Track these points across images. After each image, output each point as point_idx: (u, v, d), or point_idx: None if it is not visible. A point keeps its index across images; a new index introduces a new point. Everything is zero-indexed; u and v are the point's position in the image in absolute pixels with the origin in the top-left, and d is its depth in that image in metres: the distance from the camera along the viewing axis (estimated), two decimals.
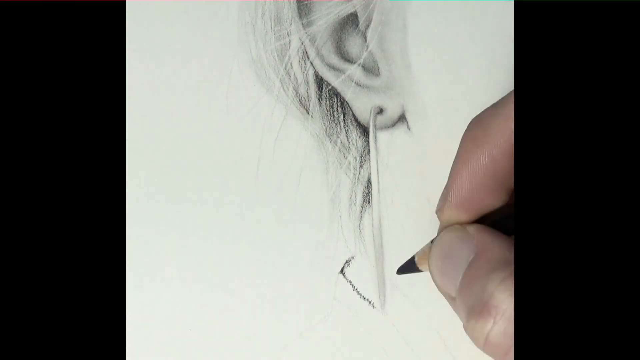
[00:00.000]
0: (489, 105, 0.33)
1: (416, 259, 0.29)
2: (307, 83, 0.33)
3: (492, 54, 0.33)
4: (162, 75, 0.33)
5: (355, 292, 0.32)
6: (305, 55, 0.33)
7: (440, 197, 0.28)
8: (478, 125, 0.26)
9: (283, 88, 0.33)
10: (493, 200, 0.26)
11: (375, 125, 0.33)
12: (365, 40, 0.33)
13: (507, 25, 0.33)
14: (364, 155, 0.33)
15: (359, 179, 0.33)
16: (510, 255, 0.24)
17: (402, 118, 0.33)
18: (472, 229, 0.26)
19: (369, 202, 0.33)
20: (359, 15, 0.33)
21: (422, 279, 0.32)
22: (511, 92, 0.25)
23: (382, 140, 0.33)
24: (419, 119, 0.33)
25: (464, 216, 0.27)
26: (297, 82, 0.33)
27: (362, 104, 0.33)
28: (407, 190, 0.33)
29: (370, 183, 0.33)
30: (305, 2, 0.33)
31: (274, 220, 0.32)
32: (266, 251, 0.32)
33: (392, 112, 0.33)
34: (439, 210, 0.28)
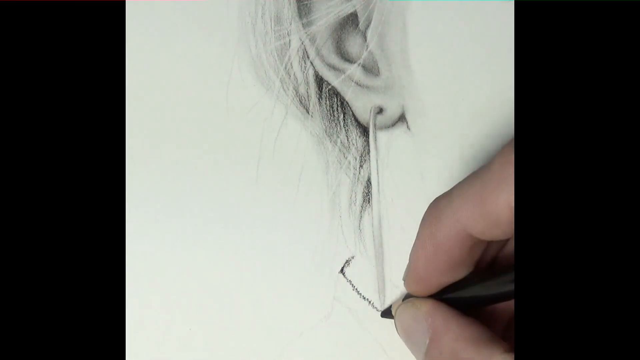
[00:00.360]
0: (488, 105, 0.33)
1: (392, 310, 0.30)
2: (307, 83, 0.33)
3: (492, 54, 0.33)
4: (162, 75, 0.33)
5: (355, 292, 0.32)
6: (305, 55, 0.33)
7: (405, 269, 0.29)
8: (431, 215, 0.27)
9: (283, 88, 0.33)
10: (449, 277, 0.28)
11: (375, 125, 0.33)
12: (365, 40, 0.33)
13: (507, 25, 0.33)
14: (363, 155, 0.33)
15: (359, 178, 0.33)
16: (461, 348, 0.26)
17: (402, 118, 0.33)
18: (425, 308, 0.28)
19: (369, 201, 0.33)
20: (359, 15, 0.33)
21: None
22: (466, 177, 0.26)
23: (382, 140, 0.33)
24: (419, 118, 0.33)
25: (422, 291, 0.29)
26: (297, 82, 0.33)
27: (362, 104, 0.33)
28: (407, 190, 0.33)
29: (370, 183, 0.33)
30: (305, 2, 0.33)
31: (273, 220, 0.32)
32: (266, 251, 0.32)
33: (392, 112, 0.33)
34: (403, 280, 0.29)
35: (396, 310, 0.29)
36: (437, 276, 0.28)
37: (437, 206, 0.27)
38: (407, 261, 0.29)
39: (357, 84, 0.33)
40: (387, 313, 0.31)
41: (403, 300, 0.30)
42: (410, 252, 0.28)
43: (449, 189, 0.27)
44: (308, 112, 0.33)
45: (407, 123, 0.33)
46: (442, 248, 0.27)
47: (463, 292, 0.28)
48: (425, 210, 0.28)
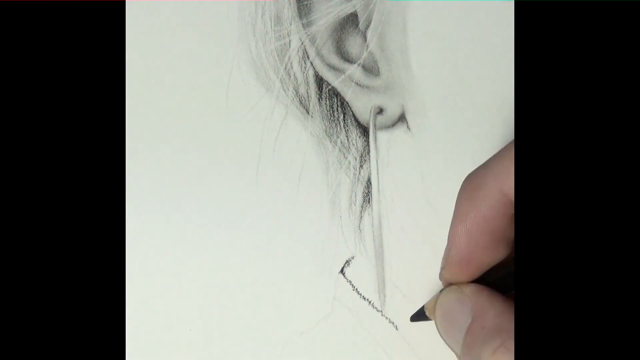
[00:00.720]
0: (488, 105, 0.33)
1: (425, 310, 0.30)
2: (307, 83, 0.33)
3: (492, 54, 0.33)
4: (162, 75, 0.33)
5: (355, 292, 0.32)
6: (305, 55, 0.33)
7: (443, 257, 0.28)
8: (470, 185, 0.27)
9: (283, 88, 0.33)
10: (492, 256, 0.27)
11: (375, 125, 0.33)
12: (365, 40, 0.33)
13: (507, 25, 0.33)
14: (364, 155, 0.33)
15: (359, 179, 0.33)
16: (505, 322, 0.25)
17: (402, 118, 0.33)
18: (469, 290, 0.27)
19: (369, 202, 0.33)
20: (359, 15, 0.33)
21: (422, 279, 0.32)
22: (502, 149, 0.26)
23: (382, 140, 0.33)
24: (419, 119, 0.33)
25: (465, 274, 0.28)
26: (297, 82, 0.33)
27: (362, 104, 0.33)
28: (407, 190, 0.33)
29: (370, 183, 0.33)
30: (305, 2, 0.33)
31: (274, 220, 0.32)
32: (266, 251, 0.32)
33: (392, 112, 0.33)
34: (442, 270, 0.28)
35: (439, 296, 0.28)
36: (479, 253, 0.27)
37: (477, 175, 0.26)
38: (443, 250, 0.28)
39: (357, 84, 0.33)
40: (419, 315, 0.30)
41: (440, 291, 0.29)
42: (448, 233, 0.27)
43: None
44: (308, 113, 0.33)
45: (407, 123, 0.33)
46: (485, 219, 0.26)
47: (501, 276, 0.27)
48: (462, 183, 0.27)
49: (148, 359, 0.32)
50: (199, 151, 0.33)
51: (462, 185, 0.27)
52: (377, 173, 0.33)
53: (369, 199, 0.33)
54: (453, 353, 0.30)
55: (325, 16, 0.33)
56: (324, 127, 0.33)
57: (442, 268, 0.28)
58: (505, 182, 0.25)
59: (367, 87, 0.33)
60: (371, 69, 0.33)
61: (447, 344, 0.28)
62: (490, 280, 0.28)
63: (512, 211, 0.26)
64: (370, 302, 0.32)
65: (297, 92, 0.33)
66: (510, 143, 0.26)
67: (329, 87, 0.33)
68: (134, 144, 0.33)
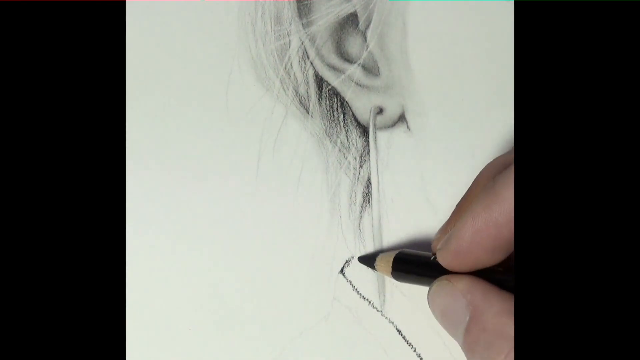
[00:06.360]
0: (488, 105, 0.32)
1: (379, 264, 0.29)
2: (307, 83, 0.33)
3: (492, 54, 0.33)
4: (162, 75, 0.33)
5: (355, 292, 0.32)
6: (305, 55, 0.33)
7: (440, 233, 0.27)
8: (492, 184, 0.25)
9: (283, 88, 0.33)
10: (490, 258, 0.26)
11: (375, 125, 0.33)
12: (365, 40, 0.33)
13: (507, 25, 0.33)
14: (363, 155, 0.33)
15: (359, 178, 0.33)
16: (505, 324, 0.24)
17: (402, 118, 0.33)
18: (462, 285, 0.26)
19: (368, 202, 0.33)
20: (358, 15, 0.33)
21: None
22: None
23: (382, 140, 0.33)
24: (418, 118, 0.33)
25: (457, 266, 0.27)
26: (297, 82, 0.33)
27: (362, 104, 0.33)
28: (407, 190, 0.33)
29: (370, 183, 0.33)
30: (305, 2, 0.33)
31: (273, 220, 0.32)
32: (266, 251, 0.32)
33: (392, 111, 0.33)
34: (438, 250, 0.28)
35: (432, 286, 0.28)
36: (479, 254, 0.26)
37: (498, 180, 0.25)
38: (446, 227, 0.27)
39: (357, 84, 0.33)
40: (366, 260, 0.30)
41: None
42: (453, 215, 0.26)
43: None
44: (308, 112, 0.33)
45: (407, 123, 0.33)
46: (496, 224, 0.25)
47: (494, 273, 0.26)
48: (481, 172, 0.26)
49: (148, 359, 0.32)
50: (199, 151, 0.33)
51: (481, 178, 0.26)
52: (377, 173, 0.33)
53: (368, 199, 0.33)
54: (453, 353, 0.30)
55: (325, 16, 0.33)
56: (324, 127, 0.33)
57: (438, 248, 0.27)
58: None
59: (367, 87, 0.33)
60: (371, 69, 0.33)
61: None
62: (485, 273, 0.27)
63: None
64: (370, 302, 0.32)
65: (297, 92, 0.33)
66: None
67: (329, 87, 0.33)
68: (133, 144, 0.33)
